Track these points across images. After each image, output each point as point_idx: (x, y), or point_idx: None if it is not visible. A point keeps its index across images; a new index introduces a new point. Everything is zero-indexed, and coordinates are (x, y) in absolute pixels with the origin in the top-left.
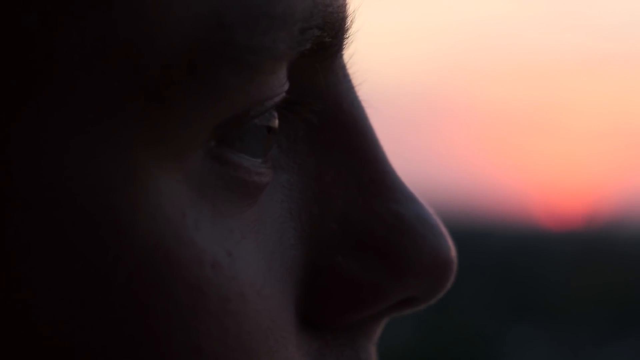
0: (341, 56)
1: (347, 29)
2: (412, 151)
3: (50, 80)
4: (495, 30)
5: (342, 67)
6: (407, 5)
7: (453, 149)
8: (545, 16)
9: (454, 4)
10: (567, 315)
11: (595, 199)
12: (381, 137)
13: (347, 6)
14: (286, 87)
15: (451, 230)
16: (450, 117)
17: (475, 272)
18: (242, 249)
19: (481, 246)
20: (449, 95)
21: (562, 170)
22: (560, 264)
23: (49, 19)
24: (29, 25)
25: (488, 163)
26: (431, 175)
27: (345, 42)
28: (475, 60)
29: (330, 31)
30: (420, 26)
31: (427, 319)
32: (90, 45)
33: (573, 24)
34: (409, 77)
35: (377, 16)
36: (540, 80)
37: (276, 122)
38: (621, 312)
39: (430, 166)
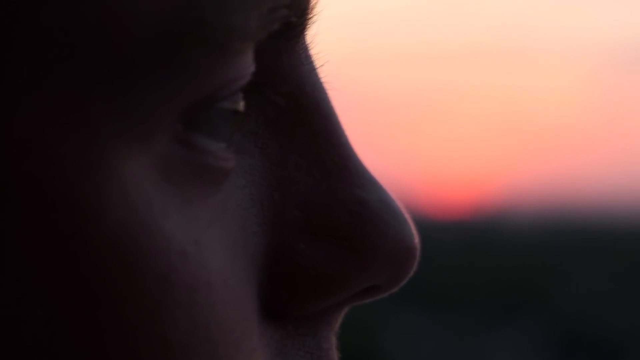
0: (304, 37)
1: (312, 8)
2: None
3: (18, 74)
4: (386, 21)
5: (305, 49)
6: None
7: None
8: (431, 7)
9: None
10: (453, 302)
11: (482, 189)
12: None
13: None
14: (253, 68)
15: None
16: (340, 108)
17: None
18: (208, 237)
19: None
20: (340, 86)
21: (450, 161)
22: (447, 253)
23: (10, 7)
24: None
25: (375, 152)
26: None
27: (309, 22)
28: (367, 51)
29: (297, 10)
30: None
31: None
32: (57, 27)
33: (460, 17)
34: None
35: None
36: (429, 71)
37: (242, 105)
38: (505, 300)
39: None
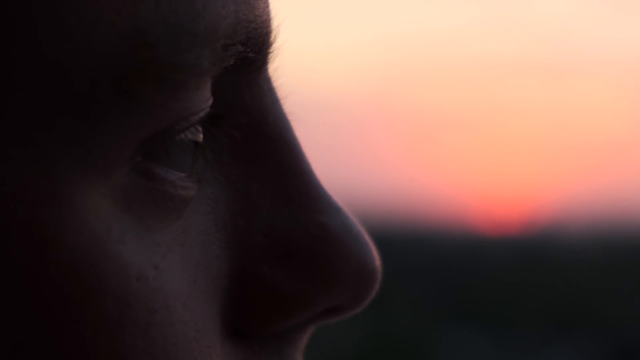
0: (266, 70)
1: (271, 44)
2: (361, 160)
3: None
4: (432, 38)
5: (267, 81)
6: (343, 17)
7: (397, 158)
8: (483, 24)
9: (389, 16)
10: (507, 319)
11: (534, 205)
12: (327, 147)
13: (271, 21)
14: (210, 102)
15: (393, 236)
16: (392, 125)
17: (416, 278)
18: (167, 261)
19: (422, 252)
20: (390, 104)
21: (501, 177)
22: (500, 270)
23: None
24: None
25: (431, 171)
26: (377, 183)
27: (269, 57)
28: (415, 68)
29: (254, 47)
30: (360, 37)
31: (368, 324)
32: (15, 65)
33: (511, 32)
34: (351, 86)
35: (319, 28)
36: (479, 87)
37: (201, 137)
38: (558, 317)
39: (377, 174)
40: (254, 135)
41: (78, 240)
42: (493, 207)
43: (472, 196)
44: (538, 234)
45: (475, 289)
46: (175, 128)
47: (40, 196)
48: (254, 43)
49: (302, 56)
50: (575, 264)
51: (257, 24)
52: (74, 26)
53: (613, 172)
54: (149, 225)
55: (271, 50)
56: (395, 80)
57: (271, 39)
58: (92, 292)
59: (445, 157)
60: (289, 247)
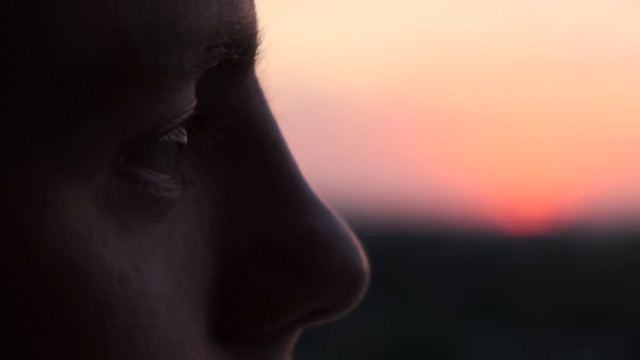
0: (252, 72)
1: (256, 46)
2: (384, 158)
3: None
4: (456, 36)
5: (254, 82)
6: (366, 16)
7: (420, 156)
8: (507, 22)
9: (412, 14)
10: (530, 318)
11: (558, 204)
12: (350, 145)
13: (256, 23)
14: (194, 103)
15: (417, 234)
16: (416, 123)
17: (439, 276)
18: (150, 263)
19: (446, 250)
20: (414, 102)
21: (525, 175)
22: (524, 268)
23: None
24: None
25: (454, 169)
26: (401, 181)
27: (255, 58)
28: (438, 66)
29: (238, 48)
30: (383, 36)
31: (391, 322)
32: (4, 66)
33: (534, 29)
34: (375, 85)
35: (344, 27)
36: (503, 85)
37: (185, 138)
38: (583, 316)
39: (401, 172)
40: (240, 137)
41: (59, 242)
42: (517, 205)
43: (496, 194)
44: (562, 232)
45: (499, 287)
46: (159, 130)
47: (21, 198)
48: (238, 45)
49: (325, 55)
50: (600, 263)
51: (241, 26)
52: (53, 27)
53: (638, 169)
54: (131, 227)
55: (257, 52)
56: (419, 78)
57: (256, 41)
58: (73, 294)
59: (469, 155)
60: (275, 249)
